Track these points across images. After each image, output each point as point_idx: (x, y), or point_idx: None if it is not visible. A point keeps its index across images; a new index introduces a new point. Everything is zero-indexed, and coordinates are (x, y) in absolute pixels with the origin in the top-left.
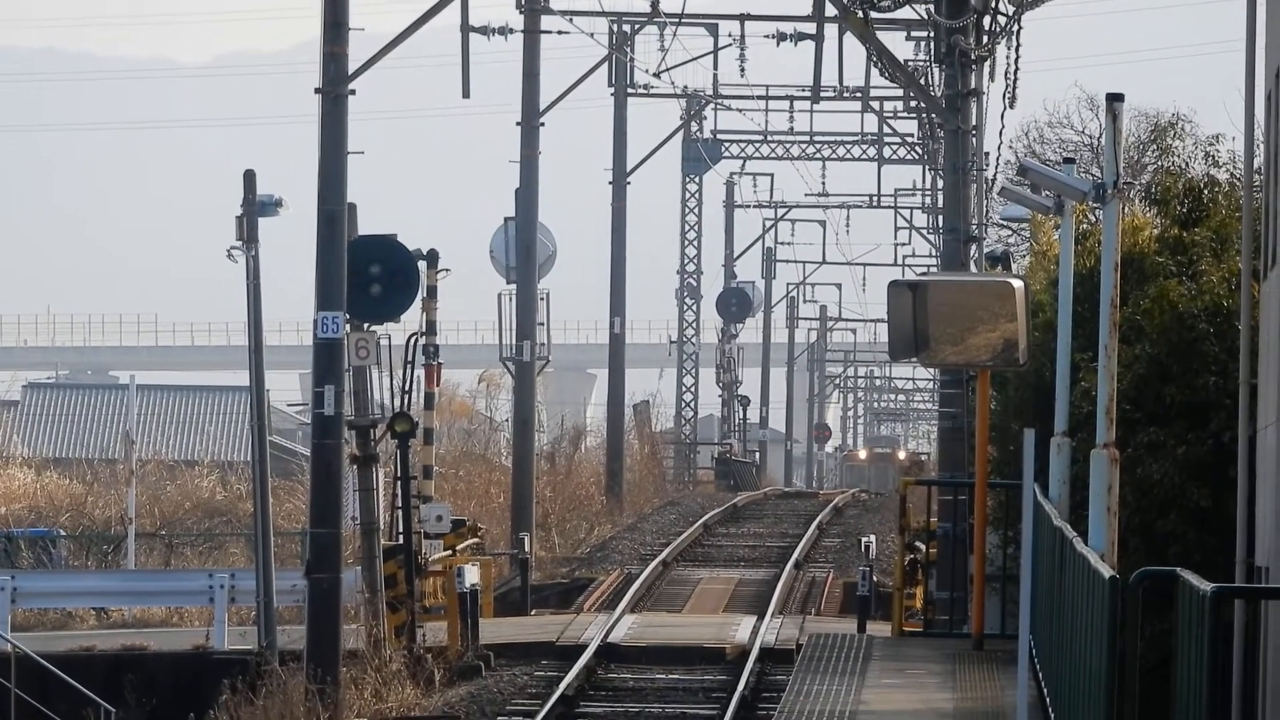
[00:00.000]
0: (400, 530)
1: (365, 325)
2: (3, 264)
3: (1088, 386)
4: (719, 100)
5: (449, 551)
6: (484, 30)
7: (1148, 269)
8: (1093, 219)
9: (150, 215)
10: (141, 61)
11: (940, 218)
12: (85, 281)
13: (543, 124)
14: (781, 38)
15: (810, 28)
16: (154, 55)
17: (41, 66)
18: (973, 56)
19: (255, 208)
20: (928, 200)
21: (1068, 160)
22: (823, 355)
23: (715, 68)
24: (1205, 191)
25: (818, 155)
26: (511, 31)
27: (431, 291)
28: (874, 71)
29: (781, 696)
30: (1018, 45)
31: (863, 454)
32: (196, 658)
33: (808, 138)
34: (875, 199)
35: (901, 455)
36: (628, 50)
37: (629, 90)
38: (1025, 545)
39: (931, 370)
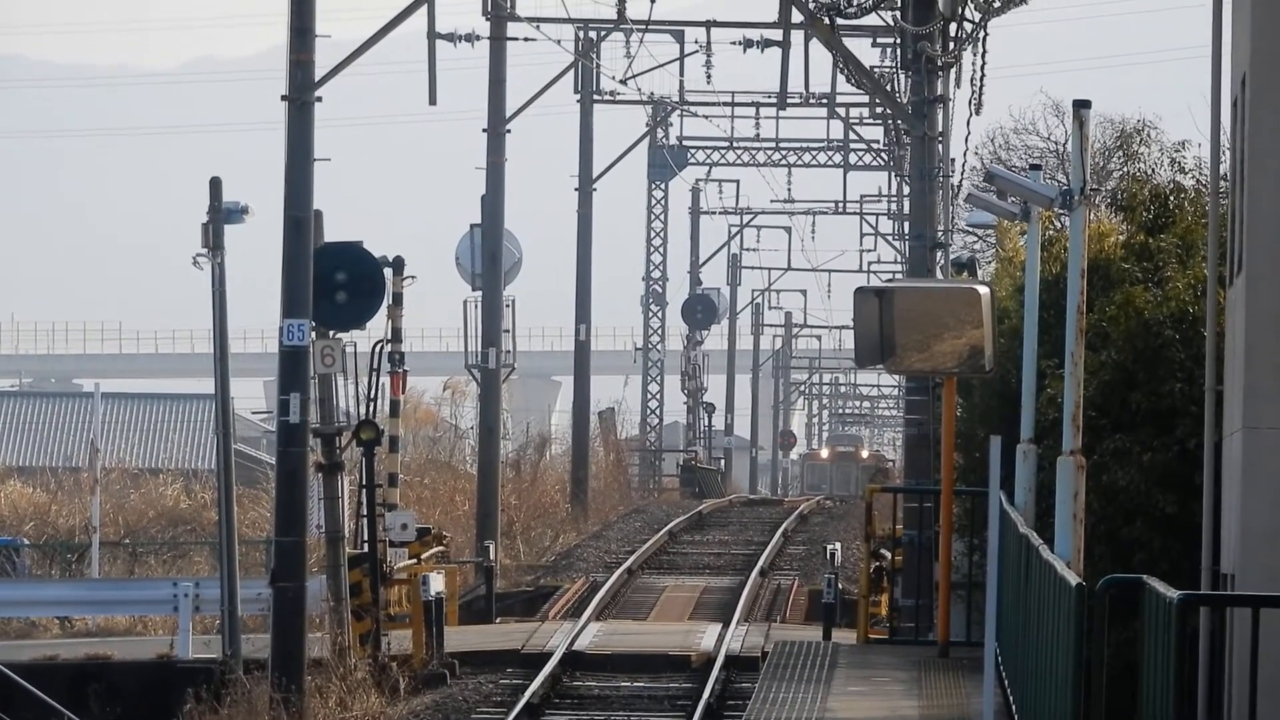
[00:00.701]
0: (365, 538)
1: (331, 332)
2: None
3: (1054, 393)
4: (685, 107)
5: (414, 559)
6: (450, 37)
7: (1114, 275)
8: (1059, 225)
9: (115, 222)
10: (107, 69)
11: (906, 224)
12: (49, 289)
13: (509, 131)
14: (748, 44)
15: (777, 34)
16: (120, 62)
17: (7, 74)
18: (939, 63)
19: (221, 215)
20: (893, 206)
21: (1034, 167)
22: (788, 362)
23: (681, 74)
24: (1171, 198)
25: (783, 161)
26: (478, 38)
27: (397, 299)
28: (840, 78)
29: (747, 704)
30: (984, 52)
31: (825, 453)
32: (161, 667)
33: (773, 144)
34: (841, 205)
35: (865, 454)
36: (594, 57)
37: (595, 97)
38: (991, 552)
39: (897, 377)
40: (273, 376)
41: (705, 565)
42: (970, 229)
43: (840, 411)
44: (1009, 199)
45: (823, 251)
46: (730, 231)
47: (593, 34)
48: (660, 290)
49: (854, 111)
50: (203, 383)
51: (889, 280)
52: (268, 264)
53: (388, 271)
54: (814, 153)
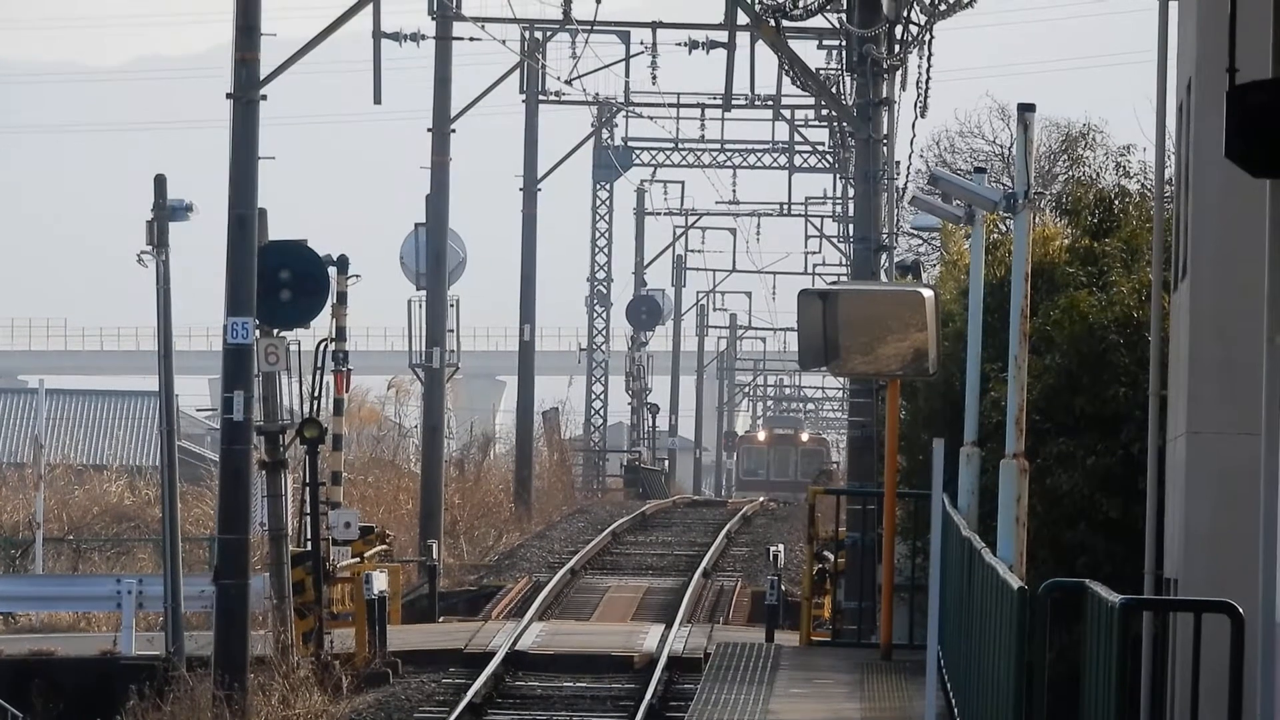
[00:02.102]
0: (309, 536)
1: (275, 331)
2: None
3: (997, 397)
4: (630, 108)
5: (357, 558)
6: (396, 36)
7: (1058, 279)
8: (1003, 229)
9: (60, 219)
10: (52, 65)
11: (851, 226)
12: None
13: (454, 130)
14: (693, 46)
15: (722, 36)
16: (65, 59)
17: None
18: (884, 65)
19: (166, 212)
20: (838, 209)
21: (979, 170)
22: (732, 363)
23: (627, 75)
24: (1116, 202)
25: (729, 163)
26: (423, 38)
27: (341, 297)
28: (786, 80)
29: (689, 705)
30: (929, 54)
31: (762, 436)
32: (104, 663)
33: (719, 145)
34: (786, 207)
35: (804, 438)
36: (539, 57)
37: (540, 97)
38: (934, 555)
39: (841, 379)
40: (217, 374)
41: (649, 566)
42: (915, 232)
43: (785, 412)
44: (954, 202)
45: (767, 253)
46: (675, 233)
47: (538, 34)
48: (605, 291)
49: (799, 114)
50: (147, 379)
51: (834, 283)
52: (210, 261)
53: (332, 270)
54: (759, 154)
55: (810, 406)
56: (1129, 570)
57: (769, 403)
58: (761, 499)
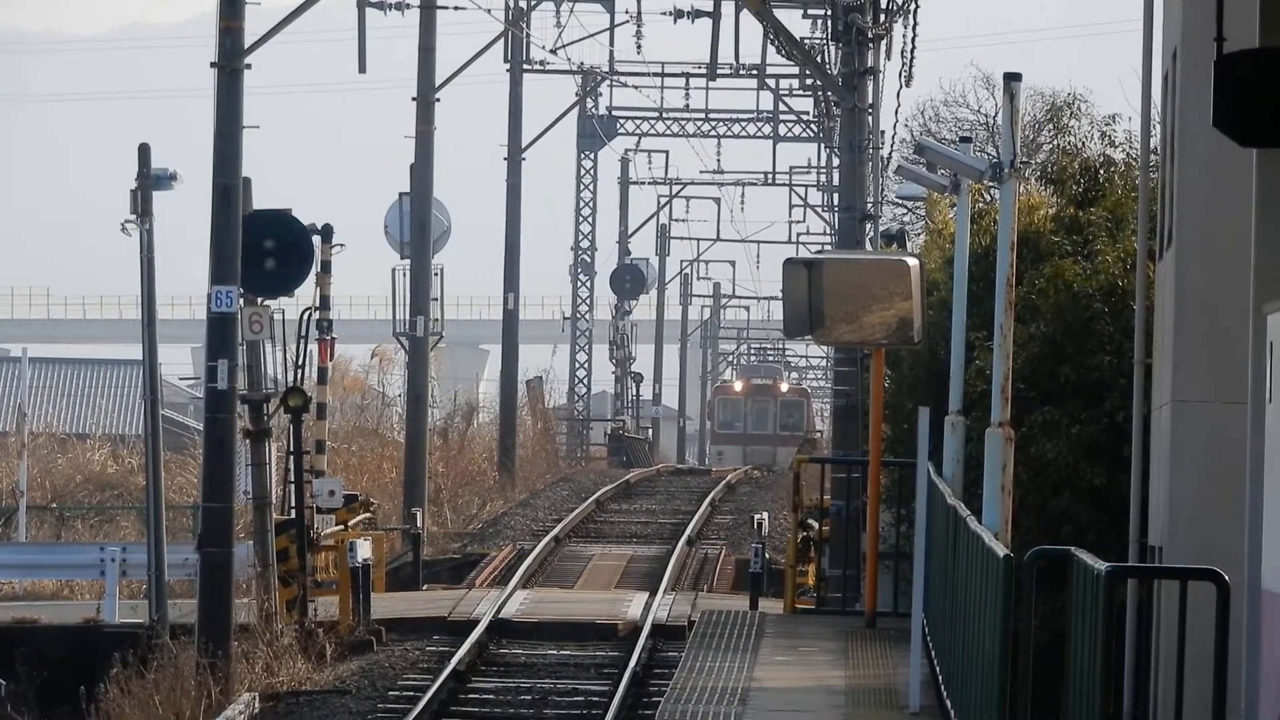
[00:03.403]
0: (293, 505)
1: (259, 300)
2: None
3: (982, 365)
4: (615, 77)
5: (341, 526)
6: (380, 5)
7: (1043, 248)
8: (988, 198)
9: (43, 188)
10: (33, 35)
11: (835, 196)
12: None
13: (438, 100)
14: (678, 15)
15: (707, 4)
16: (46, 28)
17: None
18: (869, 35)
19: (150, 181)
20: (823, 178)
21: (964, 139)
22: (716, 332)
23: (611, 44)
24: (1101, 171)
25: (713, 132)
26: (408, 7)
27: (325, 266)
28: (770, 49)
29: (674, 673)
30: (914, 24)
31: (739, 386)
32: (87, 631)
33: (703, 115)
34: (770, 176)
35: (784, 388)
36: (524, 26)
37: (525, 66)
38: (919, 523)
39: (826, 348)
40: (200, 343)
41: (632, 534)
42: (900, 201)
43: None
44: (939, 171)
45: (752, 223)
46: (659, 202)
47: (523, 3)
48: (589, 260)
49: (784, 83)
50: (130, 348)
51: (818, 252)
52: (194, 230)
53: (316, 239)
54: (744, 124)
55: (794, 376)
56: (1113, 538)
57: (749, 353)
58: (736, 471)
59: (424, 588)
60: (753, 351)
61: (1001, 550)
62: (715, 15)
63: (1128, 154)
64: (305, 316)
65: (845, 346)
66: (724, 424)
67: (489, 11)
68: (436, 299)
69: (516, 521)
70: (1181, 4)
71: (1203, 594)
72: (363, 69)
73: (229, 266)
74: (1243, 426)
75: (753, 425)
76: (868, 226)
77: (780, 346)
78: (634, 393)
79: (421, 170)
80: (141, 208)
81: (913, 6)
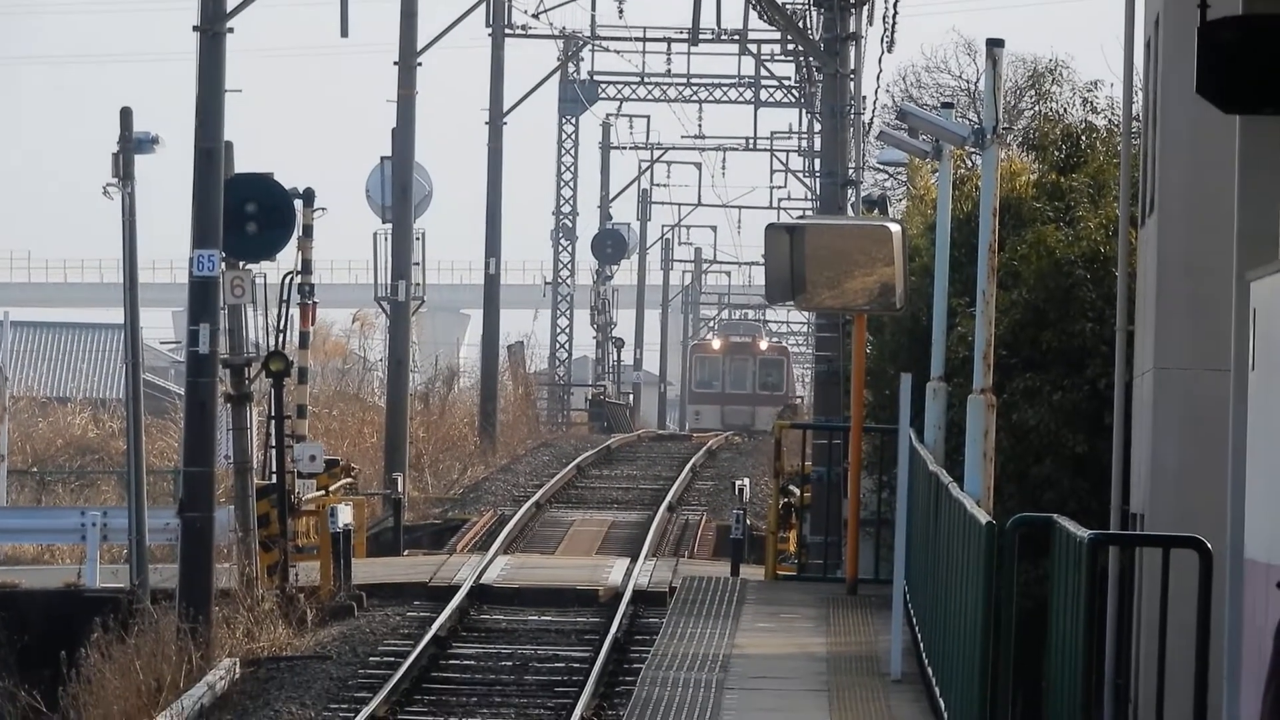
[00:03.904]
0: (274, 469)
1: (241, 264)
2: None
3: (964, 332)
4: (597, 42)
5: (322, 491)
6: None
7: (1025, 214)
8: (970, 164)
9: (24, 152)
10: None
11: (817, 161)
12: None
13: (420, 64)
14: None
15: None
16: None
17: None
18: (851, 0)
19: (132, 145)
20: (804, 144)
21: (946, 105)
22: (697, 298)
23: (593, 9)
24: (1083, 137)
25: (695, 98)
26: None
27: (307, 230)
28: (752, 14)
29: (655, 639)
30: None
31: (716, 344)
32: (68, 596)
33: (685, 80)
34: (752, 142)
35: (763, 345)
36: None
37: (507, 31)
38: (901, 490)
39: (807, 314)
40: (182, 307)
41: (613, 500)
42: (881, 167)
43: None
44: (921, 137)
45: (733, 188)
46: (641, 167)
47: None
48: (570, 225)
49: (766, 48)
50: (112, 312)
51: (800, 217)
52: (176, 193)
53: (298, 203)
54: (725, 89)
55: (776, 341)
56: (1094, 505)
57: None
58: (716, 436)
59: (405, 553)
60: (734, 319)
61: (983, 517)
62: None
63: (1110, 120)
64: (287, 281)
65: (827, 312)
66: (701, 383)
67: None
68: (418, 263)
69: (497, 487)
70: None
71: (1185, 561)
72: (345, 33)
73: (211, 230)
74: (1225, 393)
75: (731, 384)
76: (849, 192)
77: (762, 313)
78: (615, 358)
79: (403, 134)
80: (123, 171)
81: None
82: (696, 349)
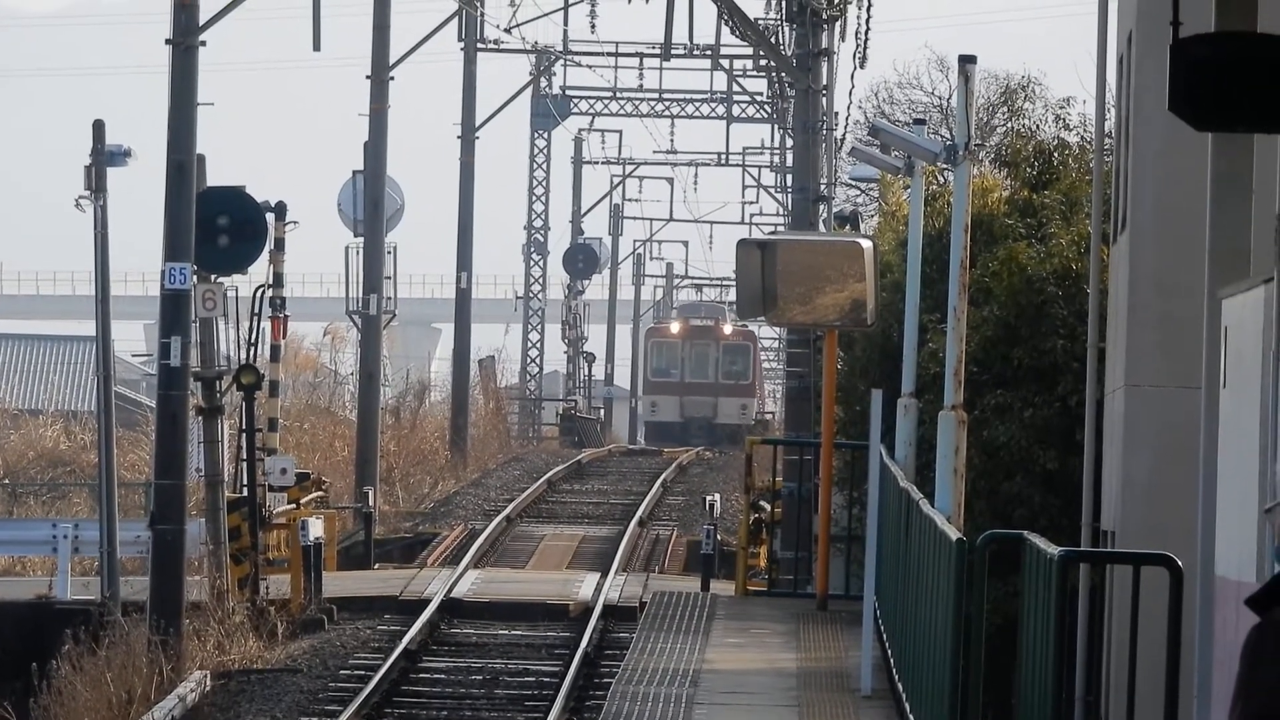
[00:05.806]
0: (245, 483)
1: (213, 276)
2: None
3: (935, 348)
4: (569, 56)
5: (293, 504)
6: None
7: (997, 231)
8: (942, 180)
9: None
10: None
11: (789, 177)
12: None
13: (393, 78)
14: None
15: None
16: None
17: None
18: (824, 16)
19: (104, 158)
20: (776, 159)
21: (918, 121)
22: (669, 313)
23: (566, 24)
24: (1055, 154)
25: (667, 113)
26: None
27: (279, 244)
28: (725, 30)
29: (625, 654)
30: (869, 5)
31: (675, 327)
32: (39, 607)
33: (657, 95)
34: (724, 157)
35: (727, 330)
36: (478, 5)
37: (479, 45)
38: (871, 506)
39: (778, 330)
40: (153, 319)
41: (584, 514)
42: (853, 183)
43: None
44: (893, 153)
45: (705, 203)
46: (612, 181)
47: None
48: (542, 239)
49: (738, 64)
50: (83, 324)
51: (771, 233)
52: (148, 206)
53: (270, 216)
54: (697, 104)
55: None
56: (1065, 522)
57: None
58: (691, 453)
59: (375, 567)
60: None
61: (954, 534)
62: None
63: (1082, 137)
64: (258, 294)
65: (798, 328)
66: (658, 371)
67: None
68: (389, 277)
69: (468, 501)
70: None
71: (1156, 578)
72: (317, 46)
73: (183, 243)
74: (1196, 411)
75: (691, 373)
76: (821, 208)
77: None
78: (586, 373)
79: (375, 148)
80: (95, 184)
81: None
82: (652, 333)
